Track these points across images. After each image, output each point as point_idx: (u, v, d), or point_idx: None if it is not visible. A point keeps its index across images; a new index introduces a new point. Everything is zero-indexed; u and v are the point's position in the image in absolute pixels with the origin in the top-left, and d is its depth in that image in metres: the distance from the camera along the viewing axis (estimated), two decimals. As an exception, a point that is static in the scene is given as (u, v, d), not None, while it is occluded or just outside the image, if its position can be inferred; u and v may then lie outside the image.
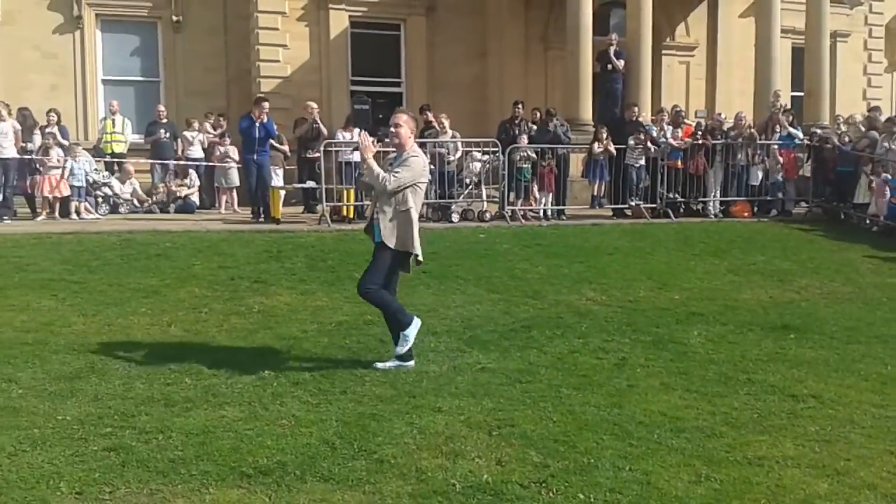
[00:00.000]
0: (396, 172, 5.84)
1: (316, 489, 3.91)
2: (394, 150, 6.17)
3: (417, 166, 5.90)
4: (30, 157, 13.38)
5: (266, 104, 13.23)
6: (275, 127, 13.49)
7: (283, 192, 13.91)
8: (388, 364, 5.92)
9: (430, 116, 14.23)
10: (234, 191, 14.86)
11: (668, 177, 14.18)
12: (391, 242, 5.90)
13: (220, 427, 4.66)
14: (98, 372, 5.64)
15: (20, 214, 13.31)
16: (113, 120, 14.97)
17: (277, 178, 14.36)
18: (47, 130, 13.73)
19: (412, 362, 5.97)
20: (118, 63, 17.32)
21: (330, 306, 7.79)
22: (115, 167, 14.61)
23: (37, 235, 10.85)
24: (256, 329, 6.98)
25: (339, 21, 17.01)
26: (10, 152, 12.95)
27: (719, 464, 4.33)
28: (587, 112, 15.73)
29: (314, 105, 14.81)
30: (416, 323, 5.97)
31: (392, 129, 5.95)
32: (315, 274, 9.19)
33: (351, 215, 13.38)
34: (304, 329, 6.96)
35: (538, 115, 14.67)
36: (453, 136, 13.76)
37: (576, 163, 14.73)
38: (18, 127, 13.34)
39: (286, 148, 14.89)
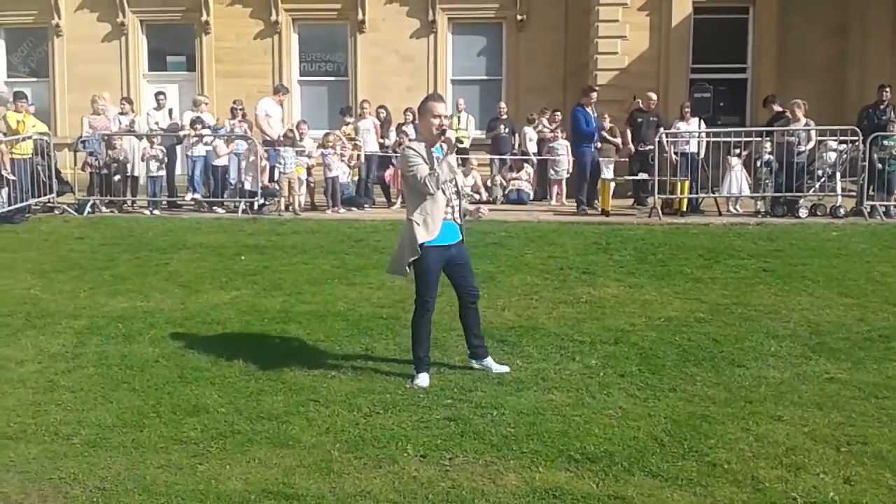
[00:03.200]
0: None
1: (644, 483, 3.85)
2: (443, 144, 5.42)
3: None
4: (386, 151, 14.88)
5: (594, 94, 13.30)
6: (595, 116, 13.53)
7: (613, 184, 13.88)
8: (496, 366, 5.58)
9: (777, 107, 13.24)
10: (564, 182, 15.15)
11: None
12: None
13: (548, 410, 4.79)
14: (439, 347, 6.07)
15: (377, 203, 14.88)
16: (459, 117, 16.06)
17: (608, 171, 14.38)
18: (403, 128, 15.15)
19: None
20: (465, 63, 18.53)
21: (659, 301, 7.61)
22: (459, 161, 15.67)
23: (392, 222, 12.05)
24: (584, 319, 7.04)
25: (682, 8, 16.50)
26: (372, 146, 14.54)
27: None
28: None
29: (653, 96, 14.54)
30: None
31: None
32: (644, 267, 9.05)
33: (684, 208, 12.94)
34: (632, 322, 6.87)
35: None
36: (806, 125, 12.65)
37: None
38: (378, 123, 14.91)
39: (619, 140, 14.83)
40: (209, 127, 14.56)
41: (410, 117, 15.35)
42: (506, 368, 5.58)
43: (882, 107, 12.84)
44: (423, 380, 5.30)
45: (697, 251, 9.85)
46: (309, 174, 14.19)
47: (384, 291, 8.03)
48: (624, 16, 16.56)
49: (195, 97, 15.57)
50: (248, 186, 13.87)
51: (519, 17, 17.92)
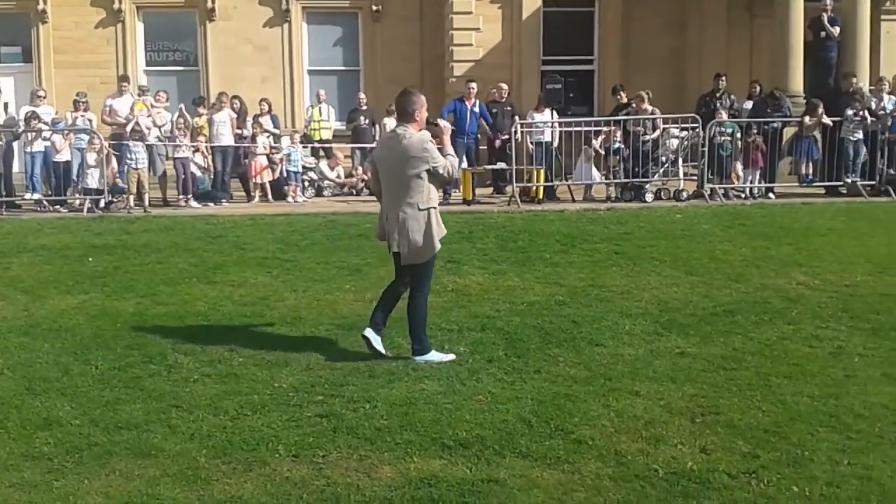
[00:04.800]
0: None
1: (515, 465, 3.94)
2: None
3: None
4: (243, 143, 14.46)
5: (474, 85, 13.48)
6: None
7: (473, 174, 14.13)
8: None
9: (624, 97, 13.87)
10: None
11: (889, 151, 12.93)
12: None
13: (420, 399, 4.82)
14: (309, 343, 6.00)
15: (235, 197, 14.46)
16: (320, 108, 15.85)
17: (467, 160, 14.61)
18: (259, 119, 14.77)
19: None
20: (322, 54, 18.29)
21: (521, 286, 7.82)
22: (321, 153, 15.49)
23: (252, 217, 11.76)
24: (450, 307, 7.13)
25: (532, 1, 16.93)
26: (228, 139, 14.10)
27: (954, 464, 3.90)
28: (797, 83, 14.70)
29: (505, 86, 14.88)
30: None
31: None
32: (505, 254, 9.27)
33: (541, 196, 13.34)
34: (497, 308, 7.02)
35: (758, 88, 13.78)
36: (652, 113, 13.31)
37: (783, 138, 13.80)
38: (234, 115, 14.47)
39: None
40: (46, 123, 13.64)
41: (266, 108, 15.01)
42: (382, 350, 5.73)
43: (718, 95, 13.70)
44: (440, 355, 5.59)
45: (555, 237, 10.18)
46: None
47: (247, 289, 7.82)
48: (477, 8, 16.83)
49: (33, 89, 14.58)
50: (92, 184, 13.11)
51: (374, 8, 17.86)
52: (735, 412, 4.60)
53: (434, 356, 5.60)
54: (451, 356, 5.62)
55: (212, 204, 13.66)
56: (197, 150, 13.86)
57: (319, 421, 4.52)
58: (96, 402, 4.86)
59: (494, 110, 14.54)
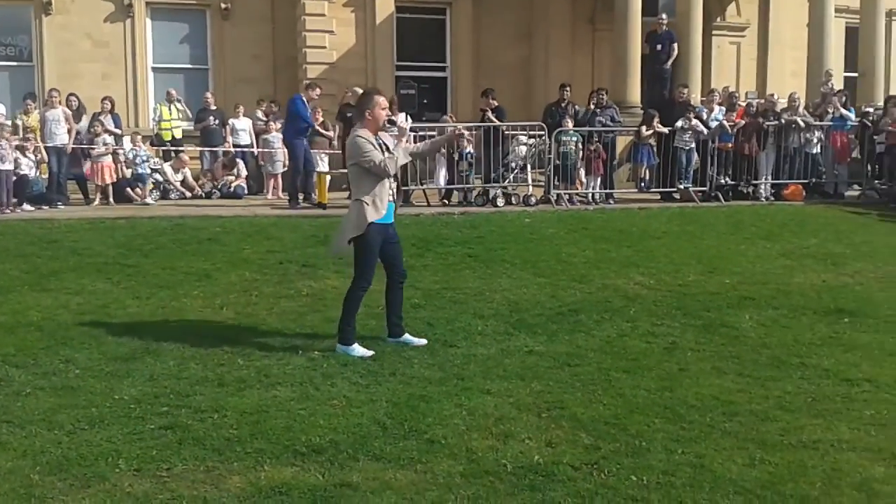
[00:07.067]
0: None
1: (368, 468, 3.95)
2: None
3: None
4: (81, 143, 13.65)
5: (318, 90, 13.30)
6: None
7: (328, 177, 14.00)
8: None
9: (494, 102, 14.11)
10: (280, 176, 14.99)
11: (718, 159, 13.94)
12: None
13: (273, 406, 4.74)
14: (153, 353, 5.75)
15: (72, 200, 13.62)
16: (169, 107, 15.22)
17: (323, 164, 14.47)
18: (100, 118, 14.00)
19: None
20: (168, 51, 17.58)
21: (377, 290, 7.78)
22: (172, 154, 14.87)
23: (91, 220, 11.11)
24: (306, 312, 7.06)
25: (385, 6, 17.01)
26: (63, 139, 13.26)
27: (773, 447, 4.26)
28: (635, 95, 15.55)
29: (359, 90, 14.82)
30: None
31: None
32: (362, 258, 9.24)
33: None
34: (353, 312, 7.00)
35: (604, 97, 14.36)
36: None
37: (623, 146, 14.57)
38: (69, 113, 13.63)
39: (332, 133, 14.98)
40: None
41: (109, 106, 14.25)
42: (424, 341, 6.05)
43: (563, 104, 14.27)
44: (359, 350, 5.76)
45: (411, 241, 10.24)
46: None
47: (84, 297, 7.40)
48: (330, 10, 16.71)
49: None
50: None
51: (223, 6, 17.36)
52: (578, 406, 4.81)
53: (355, 350, 5.78)
54: (370, 352, 5.78)
55: (47, 207, 12.79)
56: (27, 149, 12.91)
57: (164, 433, 4.34)
58: (-89, 423, 4.46)
59: (349, 114, 14.43)
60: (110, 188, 13.42)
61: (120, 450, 4.13)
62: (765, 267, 9.26)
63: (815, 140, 14.27)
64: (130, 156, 13.68)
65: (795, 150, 14.20)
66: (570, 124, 13.47)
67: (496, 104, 13.85)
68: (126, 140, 14.11)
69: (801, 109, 14.36)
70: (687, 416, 4.68)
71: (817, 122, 14.40)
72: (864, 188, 14.61)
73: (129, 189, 13.49)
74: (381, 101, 5.90)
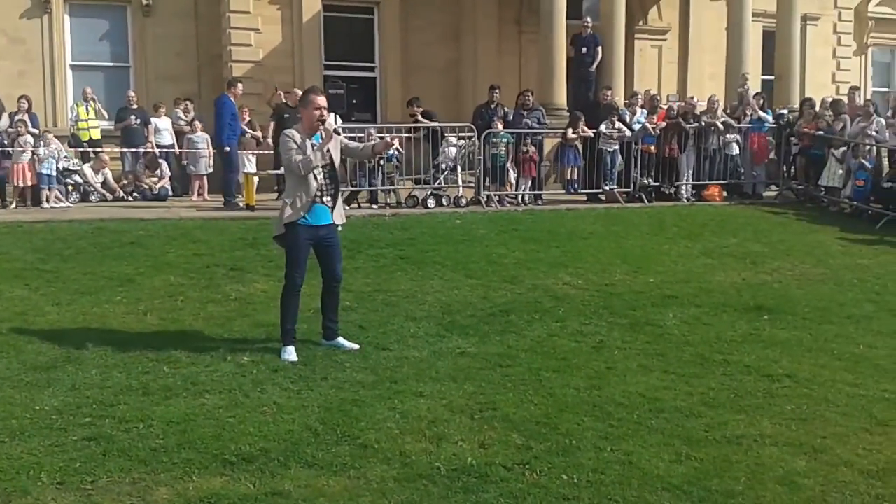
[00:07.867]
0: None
1: (300, 475, 3.91)
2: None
3: None
4: (1, 143, 13.11)
5: (241, 85, 13.05)
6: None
7: (256, 179, 13.78)
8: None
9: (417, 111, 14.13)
10: (205, 178, 14.68)
11: (641, 161, 14.26)
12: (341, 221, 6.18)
13: (200, 415, 4.64)
14: (74, 361, 5.58)
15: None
16: (86, 106, 14.72)
17: (250, 164, 14.24)
18: (17, 118, 13.45)
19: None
20: (87, 48, 17.00)
21: (307, 292, 7.63)
22: (92, 154, 14.38)
23: (7, 224, 10.68)
24: (234, 317, 6.94)
25: (311, 4, 16.80)
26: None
27: (698, 443, 4.39)
28: (561, 97, 15.74)
29: (299, 91, 14.60)
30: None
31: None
32: (291, 260, 9.13)
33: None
34: (282, 316, 6.91)
35: (529, 99, 14.50)
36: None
37: (550, 148, 14.76)
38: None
39: (259, 133, 14.76)
40: None
41: (26, 105, 13.70)
42: (356, 346, 6.04)
43: (493, 106, 14.37)
44: (290, 353, 5.77)
45: (342, 243, 10.15)
46: None
47: (2, 303, 7.14)
48: (255, 7, 16.41)
49: None
50: None
51: (144, 2, 16.88)
52: (510, 407, 4.87)
53: (284, 352, 5.80)
54: (293, 357, 5.77)
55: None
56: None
57: (87, 444, 4.21)
58: None
59: (286, 115, 14.23)
60: (28, 191, 12.92)
61: (42, 462, 3.99)
62: (687, 266, 9.52)
63: (734, 142, 14.74)
64: (49, 157, 13.18)
65: (715, 152, 14.63)
66: (499, 126, 13.57)
67: (421, 110, 13.91)
68: (49, 140, 13.56)
69: (719, 112, 14.80)
70: (615, 414, 4.79)
71: (736, 125, 14.87)
72: (781, 188, 15.14)
73: (46, 191, 12.99)
74: (317, 100, 5.90)
